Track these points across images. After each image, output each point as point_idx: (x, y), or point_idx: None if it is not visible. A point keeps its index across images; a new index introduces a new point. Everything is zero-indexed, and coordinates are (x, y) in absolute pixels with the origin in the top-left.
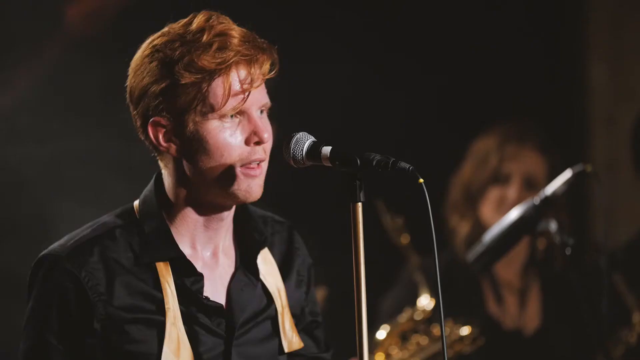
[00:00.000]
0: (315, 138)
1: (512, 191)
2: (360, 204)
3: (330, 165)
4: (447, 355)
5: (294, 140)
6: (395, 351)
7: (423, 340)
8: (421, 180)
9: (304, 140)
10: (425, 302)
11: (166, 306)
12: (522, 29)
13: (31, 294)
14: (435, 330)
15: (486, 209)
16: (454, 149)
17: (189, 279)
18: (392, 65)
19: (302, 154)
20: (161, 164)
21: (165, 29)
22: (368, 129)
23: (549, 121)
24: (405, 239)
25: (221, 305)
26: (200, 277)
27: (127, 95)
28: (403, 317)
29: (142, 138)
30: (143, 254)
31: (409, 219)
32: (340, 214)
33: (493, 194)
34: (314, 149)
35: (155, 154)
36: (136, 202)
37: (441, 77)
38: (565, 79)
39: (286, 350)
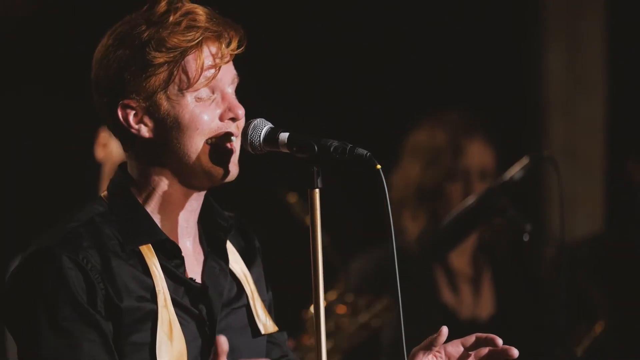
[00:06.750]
0: (272, 124)
1: (474, 187)
2: (317, 191)
3: (287, 151)
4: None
5: (251, 126)
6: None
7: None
8: (379, 166)
9: (262, 127)
10: (331, 297)
11: (157, 289)
12: (477, 13)
13: (25, 295)
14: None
15: (448, 208)
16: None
17: (172, 262)
18: (334, 53)
19: (260, 141)
20: (129, 152)
21: (126, 18)
22: (307, 118)
23: (505, 108)
24: (292, 198)
25: (207, 286)
26: (182, 260)
27: (92, 87)
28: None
29: (111, 127)
30: (127, 240)
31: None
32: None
33: (454, 192)
34: (272, 135)
35: (123, 143)
36: (103, 194)
37: (391, 65)
38: (522, 65)
39: (262, 331)
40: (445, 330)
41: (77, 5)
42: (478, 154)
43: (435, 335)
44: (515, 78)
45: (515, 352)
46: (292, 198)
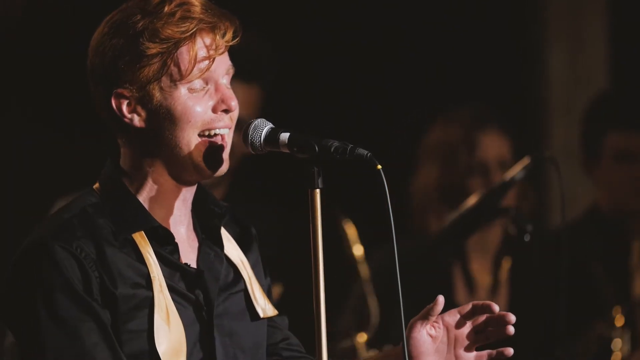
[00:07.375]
0: (273, 124)
1: (495, 178)
2: (318, 191)
3: (288, 151)
4: None
5: (252, 126)
6: None
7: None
8: (379, 166)
9: (262, 127)
10: (361, 340)
11: (152, 275)
12: (477, 13)
13: (23, 289)
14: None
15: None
16: (412, 140)
17: (166, 248)
18: (333, 52)
19: (261, 141)
20: (122, 141)
21: (123, 5)
22: (313, 118)
23: (506, 108)
24: (350, 228)
25: (202, 271)
26: (175, 246)
27: (88, 75)
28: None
29: (104, 115)
30: (119, 228)
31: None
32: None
33: (475, 187)
34: (272, 136)
35: (116, 131)
36: (95, 185)
37: (391, 64)
38: (523, 65)
39: (261, 315)
40: (441, 299)
41: (77, 6)
42: (493, 146)
43: (431, 304)
44: (516, 78)
45: (512, 317)
46: (350, 229)
